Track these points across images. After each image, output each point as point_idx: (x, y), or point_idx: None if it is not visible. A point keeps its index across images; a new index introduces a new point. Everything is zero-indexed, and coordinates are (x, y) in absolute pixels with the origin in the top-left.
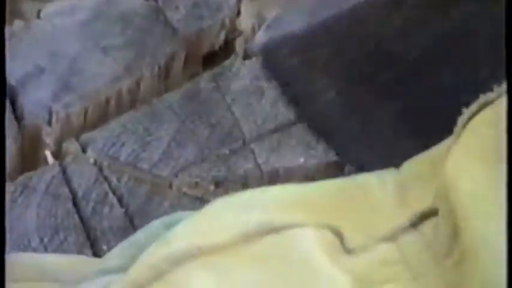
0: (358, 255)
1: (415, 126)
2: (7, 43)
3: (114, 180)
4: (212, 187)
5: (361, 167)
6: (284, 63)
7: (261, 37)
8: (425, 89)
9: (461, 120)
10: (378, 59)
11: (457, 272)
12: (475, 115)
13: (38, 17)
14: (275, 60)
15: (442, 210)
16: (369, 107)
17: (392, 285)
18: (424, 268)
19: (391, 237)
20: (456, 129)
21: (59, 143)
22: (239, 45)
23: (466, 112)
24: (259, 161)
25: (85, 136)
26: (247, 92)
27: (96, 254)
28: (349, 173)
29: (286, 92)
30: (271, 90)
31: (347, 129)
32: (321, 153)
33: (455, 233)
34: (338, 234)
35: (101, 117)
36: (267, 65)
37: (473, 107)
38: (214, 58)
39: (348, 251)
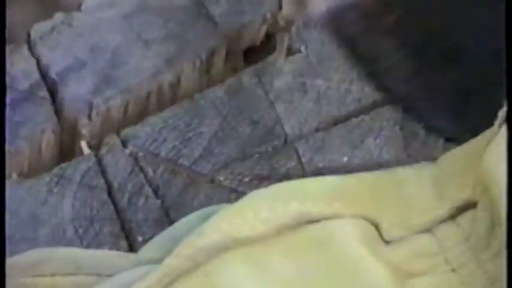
0: (396, 246)
1: (483, 90)
2: (48, 36)
3: (150, 171)
4: (254, 184)
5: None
6: (351, 28)
7: (320, 5)
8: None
9: (501, 113)
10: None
11: (495, 264)
12: None
13: (79, 9)
14: (341, 26)
15: (481, 202)
16: (437, 68)
17: (430, 277)
18: (462, 260)
19: (429, 229)
20: (497, 122)
21: (99, 137)
22: (281, 40)
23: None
24: (303, 159)
25: (126, 131)
26: (290, 89)
27: (131, 245)
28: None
29: (354, 54)
30: (314, 87)
31: (413, 89)
32: (364, 154)
33: (493, 225)
34: (375, 225)
35: (142, 111)
36: (331, 31)
37: None
38: (255, 53)
39: (386, 242)
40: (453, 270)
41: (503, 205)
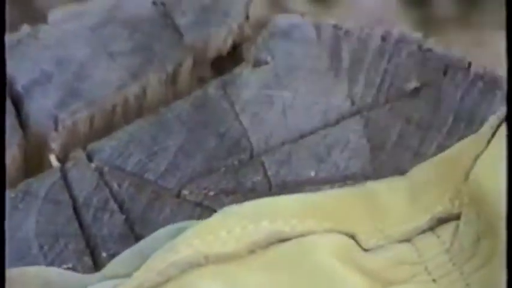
0: (375, 254)
1: None
2: (14, 49)
3: (115, 186)
4: (220, 199)
5: None
6: None
7: None
8: None
9: (488, 125)
10: None
11: (479, 276)
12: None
13: (45, 21)
14: None
15: (465, 214)
16: None
17: (410, 285)
18: (443, 271)
19: (407, 238)
20: (481, 134)
21: (64, 151)
22: (247, 50)
23: (494, 118)
24: (269, 173)
25: (91, 145)
26: (257, 101)
27: (96, 261)
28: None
29: None
30: (280, 99)
31: None
32: (331, 167)
33: (478, 238)
34: (352, 238)
35: (108, 124)
36: None
37: (502, 112)
38: (222, 64)
39: (365, 250)
40: (434, 280)
41: (502, 217)
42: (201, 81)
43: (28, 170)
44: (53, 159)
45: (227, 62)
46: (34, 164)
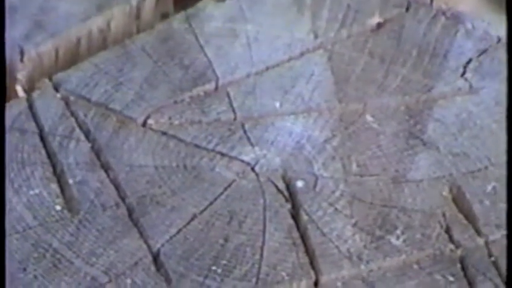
0: None
1: None
2: None
3: (81, 115)
4: (185, 128)
5: None
6: None
7: None
8: None
9: None
10: None
11: None
12: None
13: None
14: None
15: None
16: None
17: None
18: None
19: None
20: None
21: (31, 82)
22: None
23: None
24: (234, 104)
25: (57, 76)
26: (221, 34)
27: (63, 188)
28: None
29: None
30: (244, 32)
31: None
32: (295, 98)
33: None
34: None
35: (73, 57)
36: None
37: None
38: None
39: None
40: None
41: None
42: (164, 16)
43: None
44: (19, 89)
45: None
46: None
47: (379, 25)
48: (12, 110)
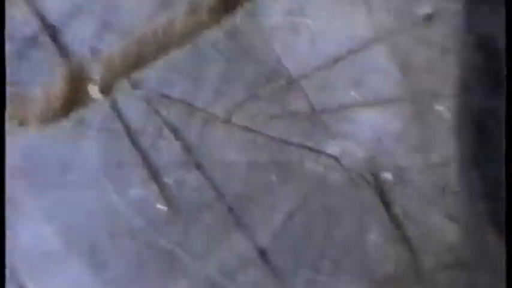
0: None
1: None
2: None
3: (164, 113)
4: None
5: None
6: None
7: None
8: None
9: None
10: None
11: None
12: None
13: None
14: None
15: None
16: None
17: None
18: None
19: None
20: None
21: (104, 81)
22: None
23: None
24: (310, 97)
25: (135, 75)
26: (283, 28)
27: (161, 188)
28: None
29: None
30: (305, 26)
31: None
32: (367, 90)
33: None
34: None
35: (140, 55)
36: None
37: None
38: None
39: None
40: None
41: None
42: (229, 10)
43: (71, 99)
44: (94, 90)
45: None
46: (76, 93)
47: (429, 16)
48: (95, 110)
